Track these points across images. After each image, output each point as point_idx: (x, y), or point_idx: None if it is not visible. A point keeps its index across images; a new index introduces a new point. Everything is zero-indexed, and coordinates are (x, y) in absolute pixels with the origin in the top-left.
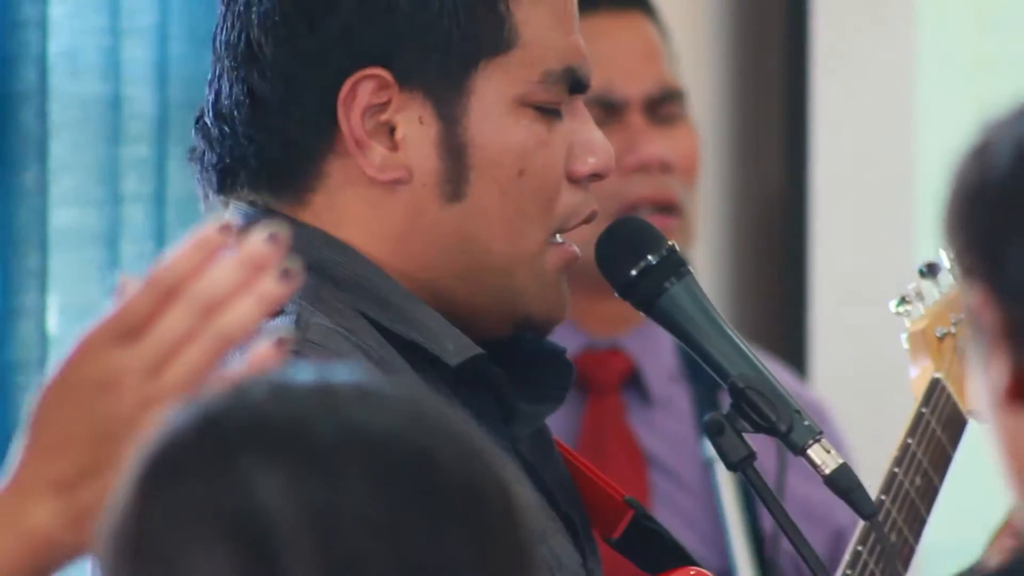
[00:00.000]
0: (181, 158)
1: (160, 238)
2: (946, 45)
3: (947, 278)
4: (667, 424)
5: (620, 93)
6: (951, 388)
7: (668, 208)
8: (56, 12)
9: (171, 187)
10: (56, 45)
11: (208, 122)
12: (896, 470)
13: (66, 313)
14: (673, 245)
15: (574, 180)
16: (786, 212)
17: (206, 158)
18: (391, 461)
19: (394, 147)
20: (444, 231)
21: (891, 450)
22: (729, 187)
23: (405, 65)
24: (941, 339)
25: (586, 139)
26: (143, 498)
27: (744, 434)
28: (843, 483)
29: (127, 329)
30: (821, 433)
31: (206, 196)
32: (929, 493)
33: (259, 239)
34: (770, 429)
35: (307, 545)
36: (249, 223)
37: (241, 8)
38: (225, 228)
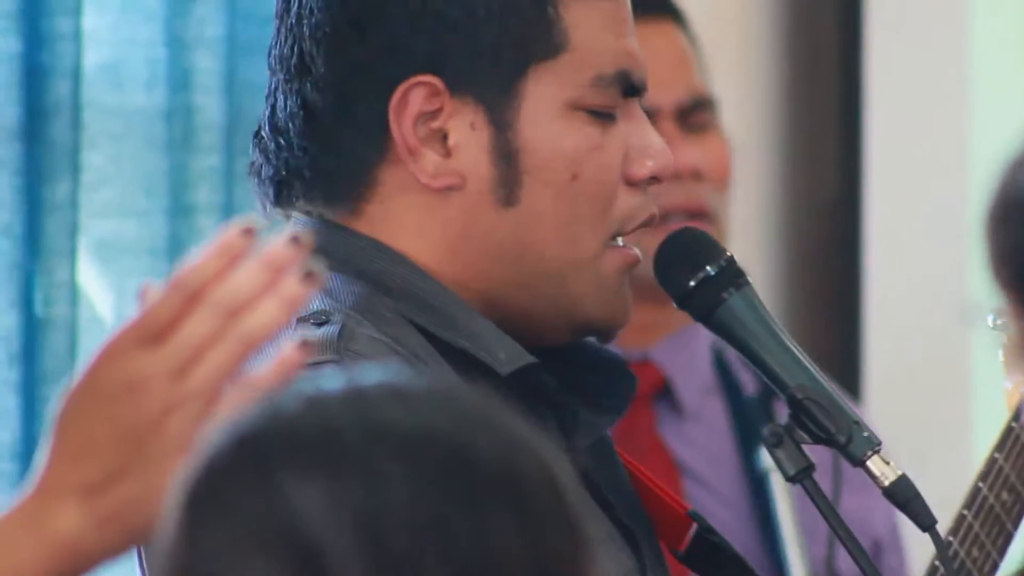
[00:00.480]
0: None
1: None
2: (1000, 49)
3: None
4: (701, 436)
5: (651, 101)
6: None
7: (700, 216)
8: (90, 24)
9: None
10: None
11: (265, 135)
12: (981, 484)
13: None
14: (731, 255)
15: (632, 183)
16: (841, 219)
17: (263, 171)
18: (428, 457)
19: (447, 154)
20: (499, 237)
21: (945, 456)
22: (784, 194)
23: (455, 71)
24: None
25: (643, 142)
26: (189, 527)
27: (803, 445)
28: (902, 495)
29: (151, 333)
30: (880, 444)
31: (264, 208)
32: (1017, 508)
33: (281, 242)
34: (829, 440)
35: (355, 552)
36: (307, 234)
37: (293, 21)
38: (248, 232)
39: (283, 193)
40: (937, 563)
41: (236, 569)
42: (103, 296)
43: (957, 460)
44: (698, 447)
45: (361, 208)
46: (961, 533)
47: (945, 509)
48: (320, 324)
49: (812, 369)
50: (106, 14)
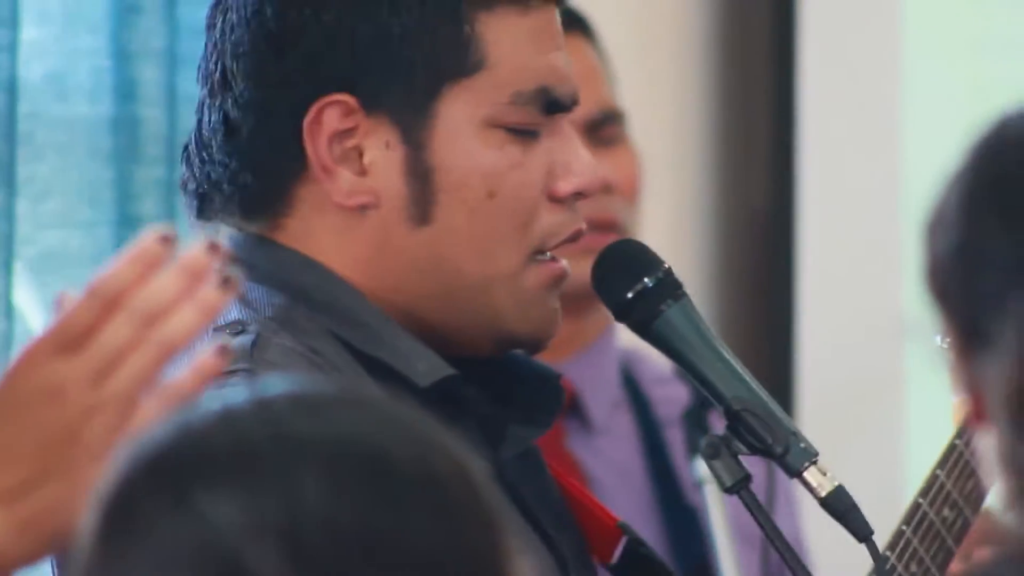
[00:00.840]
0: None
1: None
2: (933, 60)
3: None
4: (610, 450)
5: None
6: None
7: (610, 228)
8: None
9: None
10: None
11: (191, 150)
12: (921, 501)
13: None
14: (669, 267)
15: (555, 199)
16: (774, 228)
17: (188, 185)
18: (344, 463)
19: (362, 172)
20: (414, 254)
21: (879, 468)
22: (716, 203)
23: (369, 90)
24: None
25: (568, 157)
26: (106, 548)
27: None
28: (839, 505)
29: (69, 340)
30: (817, 455)
31: (190, 222)
32: (958, 526)
33: (198, 248)
34: (766, 451)
35: (277, 564)
36: (233, 247)
37: (217, 37)
38: (165, 239)
39: (205, 206)
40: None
41: None
42: (40, 310)
43: (890, 473)
44: (607, 460)
45: (282, 223)
46: (899, 548)
47: (877, 522)
48: (236, 334)
49: (749, 380)
50: (50, 25)
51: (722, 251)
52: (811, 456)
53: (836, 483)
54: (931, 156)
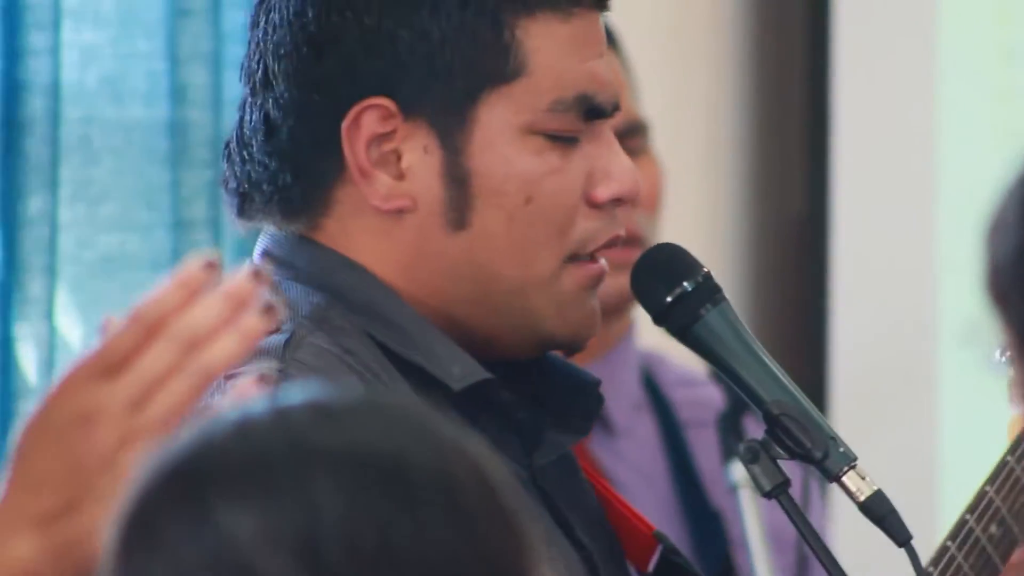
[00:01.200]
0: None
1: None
2: (967, 68)
3: None
4: (632, 453)
5: None
6: None
7: (633, 242)
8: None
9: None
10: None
11: (232, 148)
12: (968, 516)
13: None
14: (708, 271)
15: (594, 205)
16: (808, 233)
17: (229, 183)
18: (361, 471)
19: (400, 176)
20: (452, 259)
21: (911, 473)
22: (750, 209)
23: (409, 95)
24: None
25: (607, 164)
26: (127, 560)
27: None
28: (877, 510)
29: (110, 365)
30: (855, 460)
31: (233, 220)
32: (1006, 542)
33: (242, 275)
34: (805, 456)
35: (290, 570)
36: (274, 246)
37: (260, 36)
38: (209, 265)
39: (245, 206)
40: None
41: None
42: (90, 315)
43: (922, 479)
44: (628, 463)
45: (320, 223)
46: (943, 563)
47: (909, 523)
48: (271, 332)
49: (788, 384)
50: (105, 29)
51: (757, 258)
52: (850, 460)
53: (875, 487)
54: (965, 162)
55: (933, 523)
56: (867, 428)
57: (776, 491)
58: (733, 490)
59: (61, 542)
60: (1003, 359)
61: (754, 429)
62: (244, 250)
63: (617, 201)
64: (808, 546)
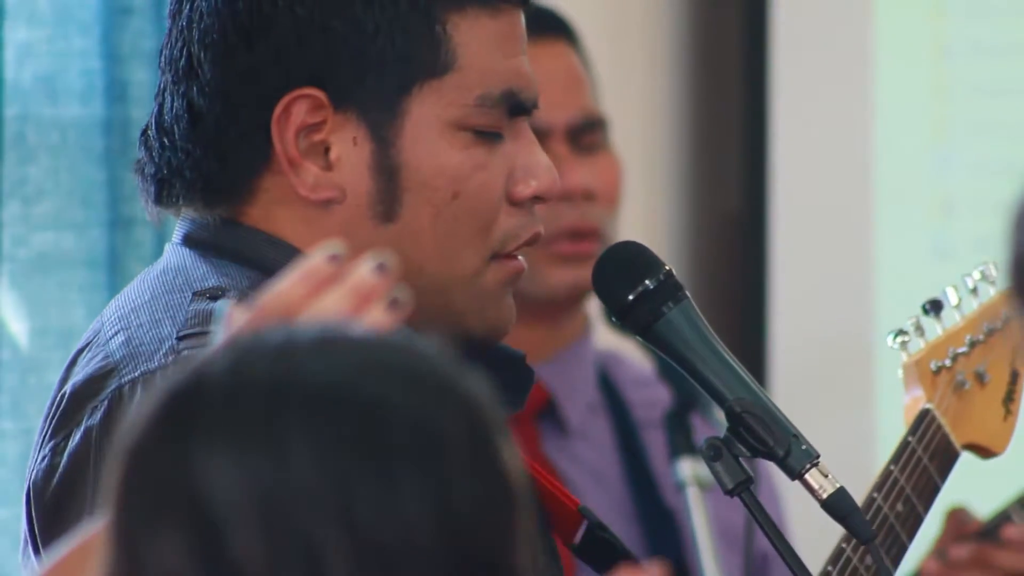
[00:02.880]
0: None
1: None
2: (903, 65)
3: (950, 315)
4: (586, 453)
5: (543, 121)
6: (942, 420)
7: (591, 236)
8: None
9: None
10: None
11: (151, 135)
12: (875, 495)
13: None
14: (670, 269)
15: (515, 203)
16: (745, 231)
17: (146, 169)
18: (335, 418)
19: (328, 167)
20: (377, 251)
21: (848, 468)
22: (688, 207)
23: (340, 86)
24: (936, 372)
25: (528, 162)
26: (117, 476)
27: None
28: (840, 508)
29: None
30: (818, 457)
31: (147, 206)
32: (911, 521)
33: (367, 268)
34: (767, 453)
35: (255, 530)
36: (198, 229)
37: (184, 24)
38: (334, 258)
39: (164, 192)
40: (830, 568)
41: (146, 535)
42: (28, 313)
43: (859, 480)
44: (583, 463)
45: (243, 211)
46: (854, 542)
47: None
48: (215, 298)
49: (750, 382)
50: (41, 27)
51: (694, 256)
52: (812, 458)
53: (838, 485)
54: (901, 158)
55: None
56: (804, 427)
57: (738, 488)
58: (680, 488)
59: None
60: (893, 345)
61: (702, 427)
62: None
63: (537, 199)
64: (771, 543)
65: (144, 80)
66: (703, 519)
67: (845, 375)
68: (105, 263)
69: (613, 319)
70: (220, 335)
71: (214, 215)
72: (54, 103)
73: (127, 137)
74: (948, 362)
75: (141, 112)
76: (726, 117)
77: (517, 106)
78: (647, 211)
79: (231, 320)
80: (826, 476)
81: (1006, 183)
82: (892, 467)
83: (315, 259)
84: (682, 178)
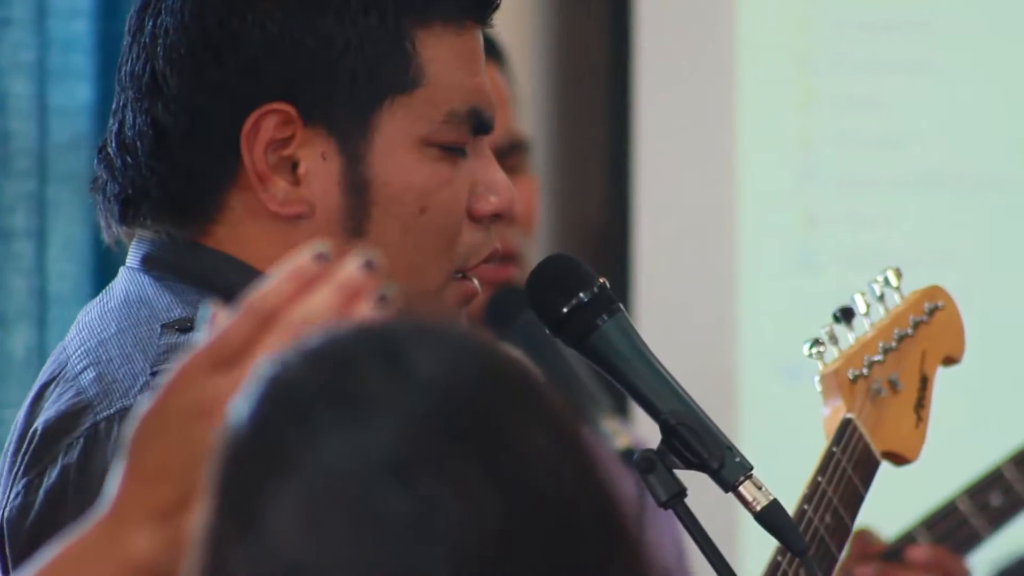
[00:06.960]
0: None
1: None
2: (767, 77)
3: (861, 323)
4: None
5: None
6: (863, 429)
7: (511, 259)
8: None
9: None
10: None
11: (111, 152)
12: (806, 507)
13: None
14: (604, 282)
15: (475, 219)
16: (608, 241)
17: (108, 188)
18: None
19: (297, 182)
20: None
21: (710, 486)
22: (551, 216)
23: (309, 101)
24: (854, 381)
25: (489, 179)
26: (247, 483)
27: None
28: (773, 520)
29: (225, 356)
30: (751, 469)
31: (108, 226)
32: (840, 532)
33: (355, 266)
34: (701, 466)
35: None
36: (157, 251)
37: (147, 40)
38: (321, 256)
39: (129, 212)
40: None
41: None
42: None
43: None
44: None
45: (210, 229)
46: (789, 554)
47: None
48: (184, 331)
49: (684, 395)
50: None
51: None
52: (746, 470)
53: (771, 497)
54: (765, 170)
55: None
56: None
57: (673, 501)
58: None
59: (179, 534)
60: (810, 353)
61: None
62: (67, 259)
63: (496, 216)
64: (704, 554)
65: (23, 92)
66: None
67: (708, 386)
68: None
69: (547, 330)
70: (203, 337)
71: (178, 234)
72: None
73: (10, 149)
74: (865, 371)
75: (23, 124)
76: (590, 128)
77: (480, 124)
78: None
79: (215, 322)
80: (760, 488)
81: (870, 196)
82: (820, 478)
83: (301, 258)
84: (545, 187)
